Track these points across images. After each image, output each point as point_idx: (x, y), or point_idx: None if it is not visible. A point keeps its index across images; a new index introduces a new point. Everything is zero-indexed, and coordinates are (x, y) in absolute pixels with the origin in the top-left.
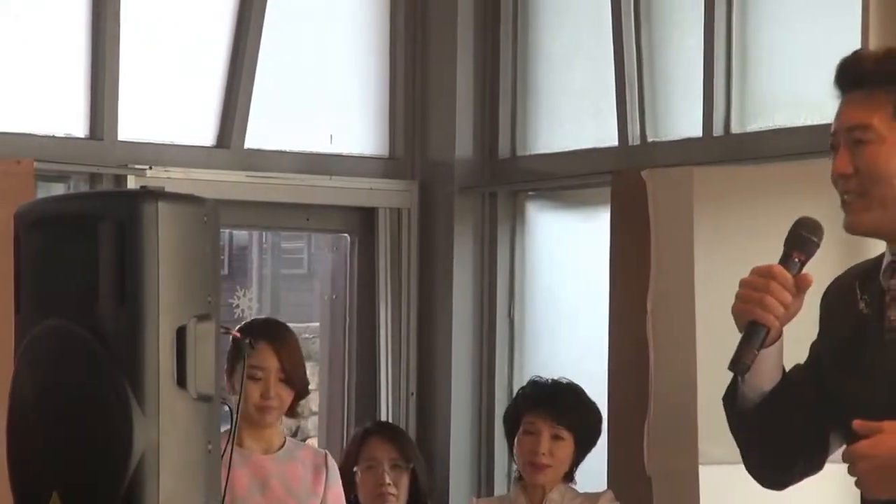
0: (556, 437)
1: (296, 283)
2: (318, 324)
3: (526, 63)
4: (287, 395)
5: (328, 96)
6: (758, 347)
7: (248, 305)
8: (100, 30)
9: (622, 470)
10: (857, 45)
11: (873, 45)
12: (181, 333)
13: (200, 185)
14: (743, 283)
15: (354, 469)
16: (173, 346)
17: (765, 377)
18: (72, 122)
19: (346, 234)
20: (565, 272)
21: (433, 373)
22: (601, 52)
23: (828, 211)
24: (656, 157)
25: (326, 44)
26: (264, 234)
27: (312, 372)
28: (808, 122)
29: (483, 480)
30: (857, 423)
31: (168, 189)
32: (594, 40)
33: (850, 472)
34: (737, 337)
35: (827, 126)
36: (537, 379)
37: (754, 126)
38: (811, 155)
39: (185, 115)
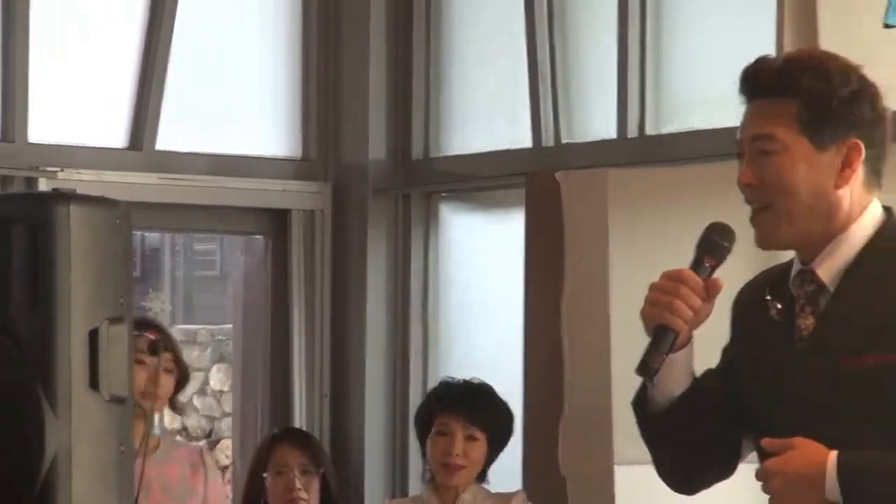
0: (469, 438)
1: (208, 285)
2: (231, 326)
3: (439, 64)
4: (168, 384)
5: (241, 98)
6: (666, 352)
7: (161, 308)
8: (10, 31)
9: (536, 470)
10: (772, 46)
11: (788, 45)
12: (93, 336)
13: (112, 188)
14: (653, 287)
15: (264, 475)
16: (86, 349)
17: (675, 382)
18: None
19: (259, 236)
20: (479, 273)
21: (347, 374)
22: (515, 53)
23: (742, 214)
24: (570, 159)
25: (239, 46)
26: (176, 236)
27: (226, 374)
28: (723, 124)
29: (398, 481)
30: (765, 442)
31: (80, 191)
32: (508, 42)
33: (764, 489)
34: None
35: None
36: (449, 380)
37: (669, 128)
38: (726, 157)
39: (96, 117)
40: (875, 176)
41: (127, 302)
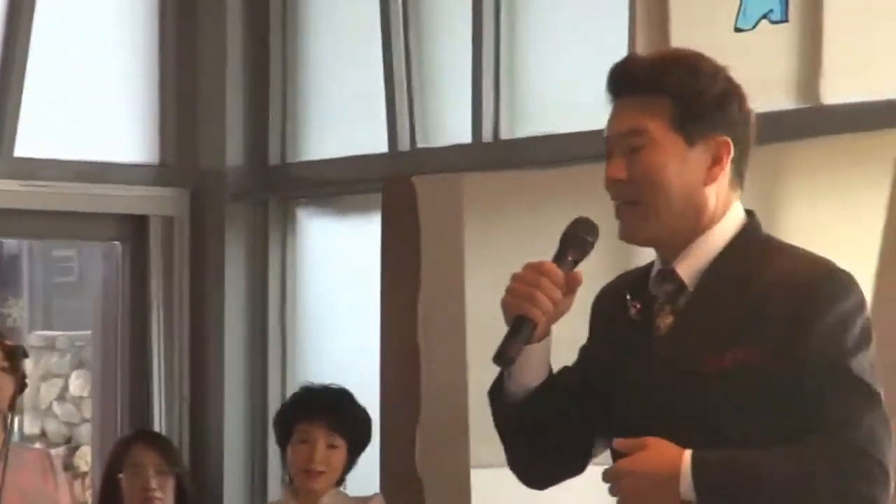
0: (330, 446)
1: (67, 291)
2: (90, 332)
3: (296, 70)
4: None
5: (99, 104)
6: (524, 342)
7: (20, 314)
8: None
9: (393, 473)
10: (625, 52)
11: (640, 49)
12: None
13: None
14: (514, 278)
15: (119, 476)
16: None
17: (531, 374)
18: None
19: (117, 243)
20: (337, 278)
21: (206, 379)
22: (371, 59)
23: (596, 217)
24: (426, 163)
25: (96, 52)
26: (34, 242)
27: (86, 380)
28: (577, 129)
29: (257, 486)
30: (618, 442)
31: None
32: (364, 47)
33: (613, 491)
34: None
35: (596, 132)
36: (309, 385)
37: (523, 132)
38: (580, 161)
39: None
40: (739, 177)
41: None
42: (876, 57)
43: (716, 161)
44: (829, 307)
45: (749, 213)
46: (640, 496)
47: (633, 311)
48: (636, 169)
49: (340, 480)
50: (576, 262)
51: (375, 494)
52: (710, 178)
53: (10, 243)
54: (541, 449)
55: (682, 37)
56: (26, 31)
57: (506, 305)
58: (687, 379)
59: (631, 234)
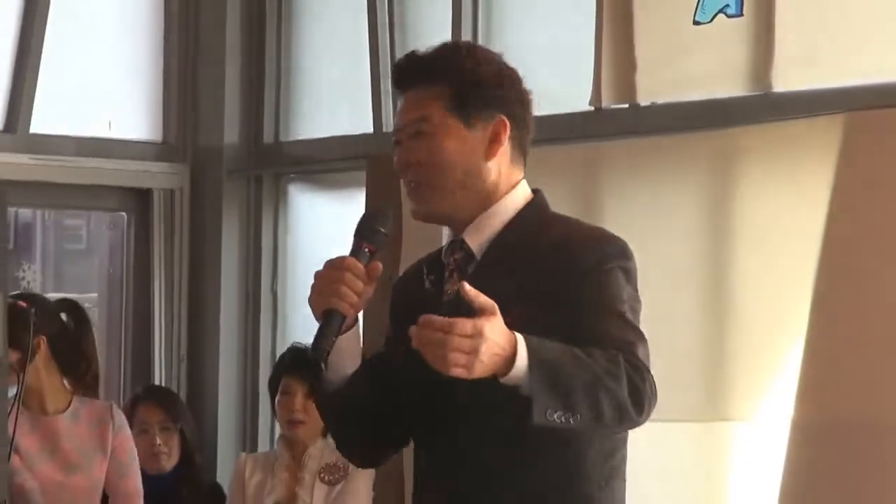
0: (309, 396)
1: (76, 258)
2: (97, 295)
3: (289, 56)
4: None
5: (107, 86)
6: (335, 334)
7: (33, 278)
8: None
9: None
10: (591, 43)
11: (606, 42)
12: None
13: None
14: (317, 276)
15: None
16: None
17: (346, 362)
18: None
19: (123, 213)
20: (324, 247)
21: (203, 339)
22: (358, 47)
23: (557, 196)
24: None
25: (105, 39)
26: (47, 212)
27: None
28: (544, 112)
29: (248, 437)
30: (467, 288)
31: None
32: (352, 37)
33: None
34: None
35: (560, 116)
36: (296, 345)
37: None
38: (547, 143)
39: None
40: (521, 155)
41: (2, 273)
42: (823, 48)
43: (494, 139)
44: (604, 263)
45: (535, 191)
46: (486, 360)
47: (427, 284)
48: (421, 152)
49: (327, 432)
50: (373, 253)
51: None
52: (490, 154)
53: (25, 213)
54: (364, 430)
55: (645, 30)
56: (42, 18)
57: (313, 303)
58: None
59: (421, 212)
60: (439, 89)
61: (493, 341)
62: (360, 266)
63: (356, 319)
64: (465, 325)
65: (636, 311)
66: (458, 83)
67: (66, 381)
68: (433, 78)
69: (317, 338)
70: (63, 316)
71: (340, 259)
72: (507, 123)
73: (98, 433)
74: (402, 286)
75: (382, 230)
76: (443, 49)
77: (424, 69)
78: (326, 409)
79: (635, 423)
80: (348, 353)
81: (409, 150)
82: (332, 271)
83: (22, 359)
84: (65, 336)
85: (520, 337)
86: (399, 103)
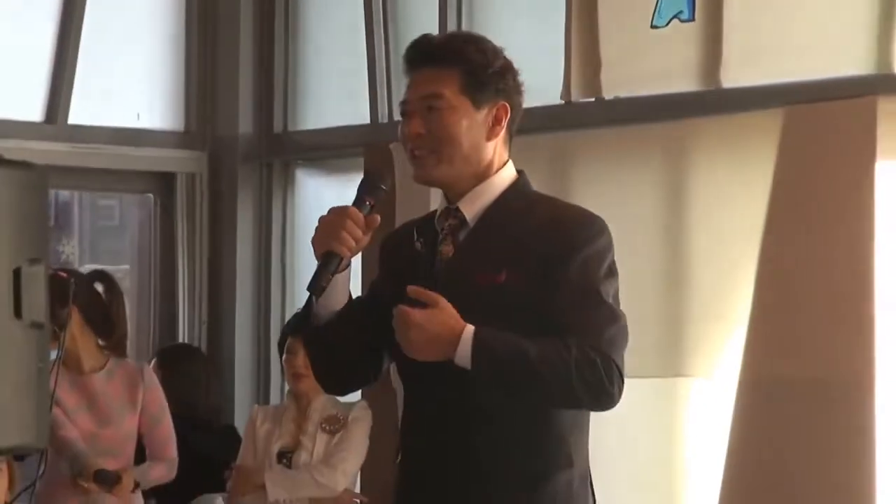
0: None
1: (110, 234)
2: (128, 266)
3: (297, 55)
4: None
5: (136, 82)
6: (332, 273)
7: (72, 251)
8: None
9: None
10: (562, 42)
11: (575, 41)
12: (17, 273)
13: (32, 154)
14: (322, 220)
15: None
16: (10, 284)
17: (336, 299)
18: None
19: (150, 194)
20: None
21: (221, 305)
22: (357, 46)
23: (538, 181)
24: None
25: (133, 40)
26: (83, 193)
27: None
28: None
29: (261, 391)
30: (412, 289)
31: (6, 157)
32: (351, 37)
33: (403, 336)
34: None
35: (544, 108)
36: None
37: None
38: (526, 132)
39: (18, 96)
40: (510, 137)
41: (44, 247)
42: (766, 49)
43: (496, 121)
44: (585, 244)
45: (520, 171)
46: (420, 348)
47: (419, 245)
48: (434, 125)
49: None
50: (372, 206)
51: (360, 400)
52: (492, 135)
53: (64, 194)
54: (340, 361)
55: (608, 30)
56: (78, 24)
57: (316, 243)
58: (463, 291)
59: (424, 177)
60: (452, 72)
61: (425, 329)
62: (361, 215)
63: (349, 263)
64: (411, 314)
65: (613, 286)
66: (472, 69)
67: (100, 342)
68: (447, 61)
69: (315, 275)
70: (97, 286)
71: (343, 207)
72: (508, 109)
73: (129, 391)
74: (393, 244)
75: (383, 187)
76: (456, 37)
77: (440, 52)
78: (312, 341)
79: (603, 407)
80: (339, 291)
81: (421, 122)
82: (336, 217)
83: (61, 325)
84: (98, 303)
85: (469, 327)
86: (408, 80)
